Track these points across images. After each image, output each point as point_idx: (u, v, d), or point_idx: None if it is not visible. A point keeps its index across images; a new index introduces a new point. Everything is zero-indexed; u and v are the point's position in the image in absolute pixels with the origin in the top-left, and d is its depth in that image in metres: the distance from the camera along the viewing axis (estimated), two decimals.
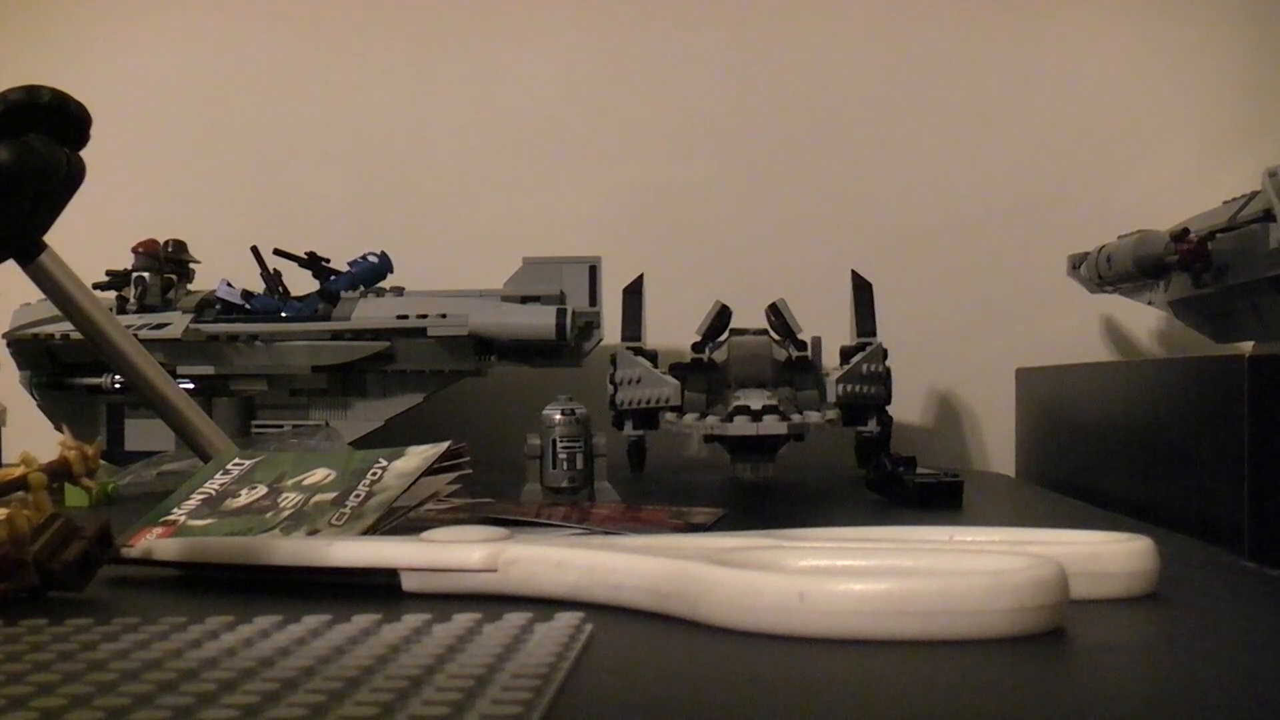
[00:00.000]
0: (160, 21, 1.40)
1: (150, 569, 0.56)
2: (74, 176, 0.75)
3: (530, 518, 0.71)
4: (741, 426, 0.85)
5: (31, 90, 0.72)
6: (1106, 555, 0.49)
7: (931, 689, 0.36)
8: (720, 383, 0.94)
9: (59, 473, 0.66)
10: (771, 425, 0.85)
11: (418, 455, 0.66)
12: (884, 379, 1.02)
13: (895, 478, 0.84)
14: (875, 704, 0.35)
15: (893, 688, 0.37)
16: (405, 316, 1.09)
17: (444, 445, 0.66)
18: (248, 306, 1.12)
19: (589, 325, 1.12)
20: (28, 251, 0.77)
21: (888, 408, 1.05)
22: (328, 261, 1.15)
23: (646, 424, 1.03)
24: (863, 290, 1.07)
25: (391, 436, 1.04)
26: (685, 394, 0.94)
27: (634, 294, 1.08)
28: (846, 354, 1.04)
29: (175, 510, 0.65)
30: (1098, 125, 1.29)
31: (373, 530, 0.60)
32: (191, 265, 1.18)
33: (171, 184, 1.38)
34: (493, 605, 0.45)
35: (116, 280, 1.14)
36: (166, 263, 1.15)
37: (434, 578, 0.50)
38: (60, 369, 1.12)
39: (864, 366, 1.01)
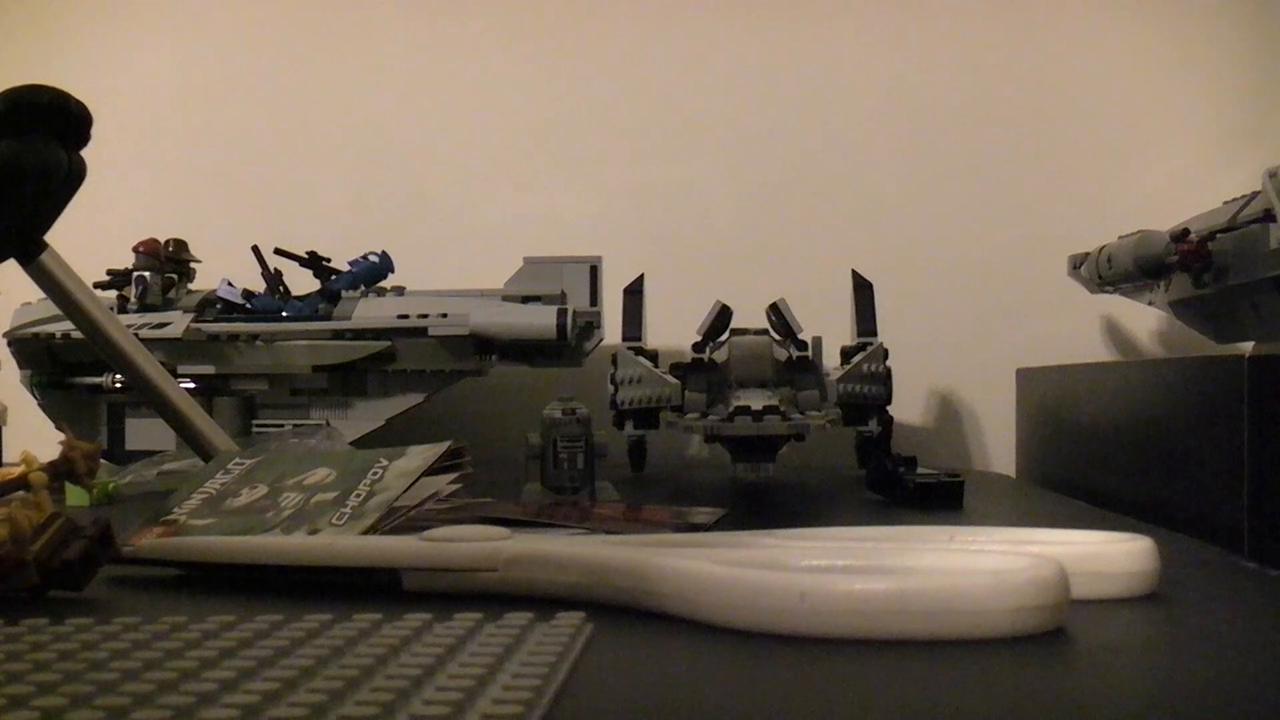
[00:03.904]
0: (161, 21, 1.40)
1: (151, 568, 0.56)
2: (74, 176, 0.75)
3: (531, 517, 0.71)
4: (742, 426, 0.85)
5: (32, 90, 0.72)
6: (1107, 555, 0.49)
7: (931, 689, 0.36)
8: (721, 382, 0.94)
9: (60, 472, 0.66)
10: (772, 425, 0.85)
11: (418, 455, 0.66)
12: (884, 379, 1.02)
13: (895, 478, 0.84)
14: (875, 704, 0.35)
15: (893, 688, 0.37)
16: (406, 316, 1.09)
17: (445, 445, 0.66)
18: (248, 306, 1.12)
19: (589, 325, 1.12)
20: (28, 251, 0.77)
21: (888, 408, 1.05)
22: (328, 261, 1.15)
23: (647, 424, 1.03)
24: (863, 290, 1.07)
25: (392, 436, 1.04)
26: (686, 394, 0.94)
27: (634, 294, 1.08)
28: (847, 354, 1.05)
29: (176, 510, 0.65)
30: (1098, 125, 1.29)
31: (373, 530, 0.60)
32: (192, 265, 1.18)
33: (171, 184, 1.38)
34: (493, 605, 0.45)
35: (117, 279, 1.14)
36: (167, 262, 1.15)
37: (435, 577, 0.50)
38: (61, 368, 1.12)
39: (864, 366, 1.01)
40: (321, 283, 1.14)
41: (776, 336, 0.98)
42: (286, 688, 0.33)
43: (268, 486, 0.66)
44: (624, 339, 1.05)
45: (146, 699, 0.32)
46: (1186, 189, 1.18)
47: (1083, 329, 1.27)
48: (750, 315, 0.99)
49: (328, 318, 1.10)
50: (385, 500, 0.62)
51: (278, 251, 1.15)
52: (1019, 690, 0.37)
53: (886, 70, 1.31)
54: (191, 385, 1.08)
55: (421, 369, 1.10)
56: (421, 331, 1.08)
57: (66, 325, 1.03)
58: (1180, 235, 0.92)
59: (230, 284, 1.13)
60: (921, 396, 1.29)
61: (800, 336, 0.96)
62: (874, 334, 1.05)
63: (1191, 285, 0.93)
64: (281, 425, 1.09)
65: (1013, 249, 1.28)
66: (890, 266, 1.18)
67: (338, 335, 1.10)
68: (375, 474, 0.65)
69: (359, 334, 1.09)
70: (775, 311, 0.97)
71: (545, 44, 1.35)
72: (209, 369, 1.11)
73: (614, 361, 1.03)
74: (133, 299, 1.13)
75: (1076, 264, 1.15)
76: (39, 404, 1.14)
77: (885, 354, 1.03)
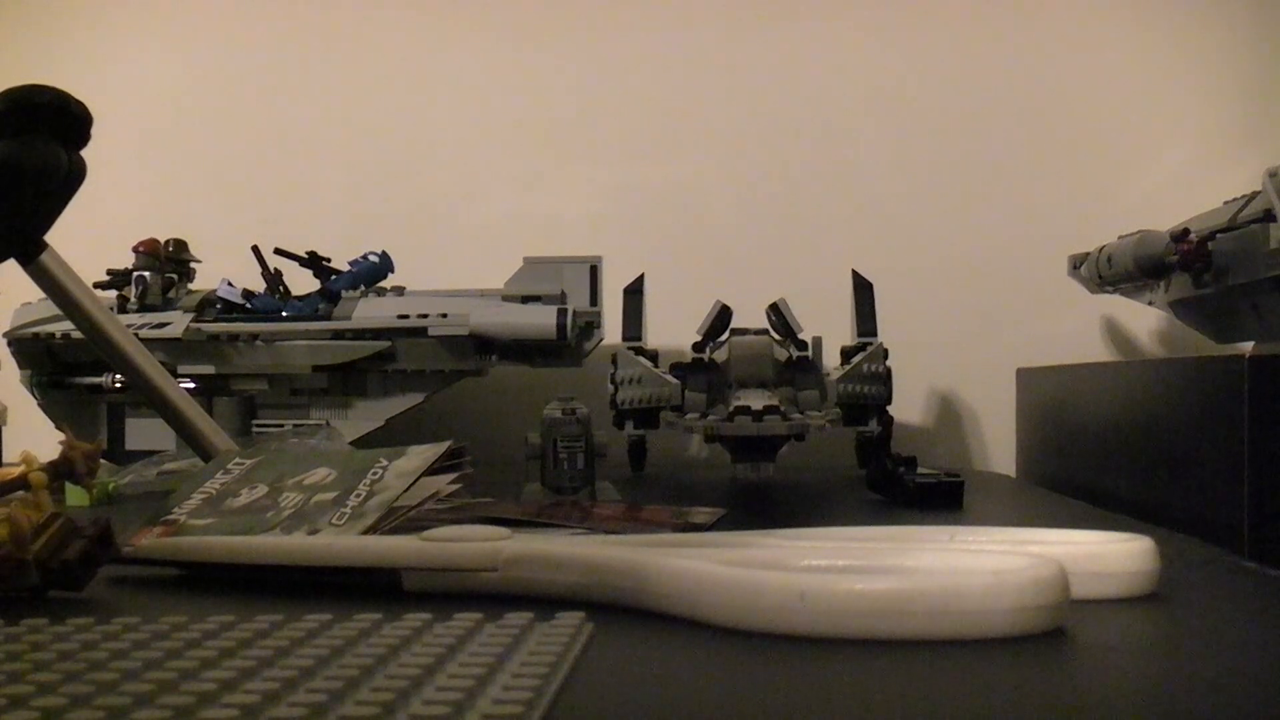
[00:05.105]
0: (161, 21, 1.40)
1: (151, 568, 0.56)
2: (74, 176, 0.75)
3: (531, 517, 0.71)
4: (742, 426, 0.85)
5: (32, 89, 0.72)
6: (1107, 555, 0.49)
7: (931, 689, 0.36)
8: (721, 382, 0.94)
9: (60, 472, 0.66)
10: (772, 425, 0.85)
11: (418, 455, 0.66)
12: (884, 379, 1.02)
13: (895, 478, 0.84)
14: (875, 704, 0.35)
15: (893, 688, 0.37)
16: (406, 316, 1.09)
17: (445, 445, 0.66)
18: (248, 306, 1.12)
19: (590, 325, 1.12)
20: (29, 251, 0.77)
21: (888, 408, 1.05)
22: (328, 261, 1.15)
23: (647, 423, 1.03)
24: (863, 290, 1.07)
25: (392, 436, 1.04)
26: (686, 394, 0.94)
27: (634, 294, 1.09)
28: (847, 354, 1.05)
29: (176, 510, 0.65)
30: (1098, 125, 1.29)
31: (373, 530, 0.60)
32: (192, 264, 1.18)
33: (171, 184, 1.38)
34: (493, 605, 0.45)
35: (117, 279, 1.14)
36: (167, 262, 1.15)
37: (435, 577, 0.50)
38: (61, 368, 1.12)
39: (864, 366, 1.01)
40: (321, 283, 1.14)
41: (776, 336, 0.98)
42: (286, 688, 0.33)
43: (268, 486, 0.66)
44: (624, 339, 1.05)
45: (146, 699, 0.32)
46: (1186, 189, 1.18)
47: (1083, 329, 1.27)
48: (750, 315, 0.99)
49: (328, 318, 1.10)
50: (385, 500, 0.62)
51: (278, 251, 1.15)
52: (1019, 690, 0.37)
53: (886, 70, 1.31)
54: (191, 385, 1.08)
55: (421, 369, 1.10)
56: (421, 331, 1.08)
57: (66, 325, 1.03)
58: (1180, 235, 0.92)
59: (230, 284, 1.13)
60: (921, 396, 1.29)
61: (800, 336, 0.96)
62: (874, 334, 1.05)
63: (1191, 285, 0.93)
64: (281, 425, 1.09)
65: (1013, 249, 1.28)
66: (890, 266, 1.18)
67: (338, 335, 1.10)
68: (375, 474, 0.65)
69: (359, 334, 1.09)
70: (775, 311, 0.97)
71: (546, 44, 1.35)
72: (209, 369, 1.11)
73: (614, 361, 1.03)
74: (133, 299, 1.13)
75: (1076, 264, 1.15)
76: (39, 404, 1.14)
77: (885, 354, 1.03)
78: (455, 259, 1.29)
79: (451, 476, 0.66)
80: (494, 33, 1.36)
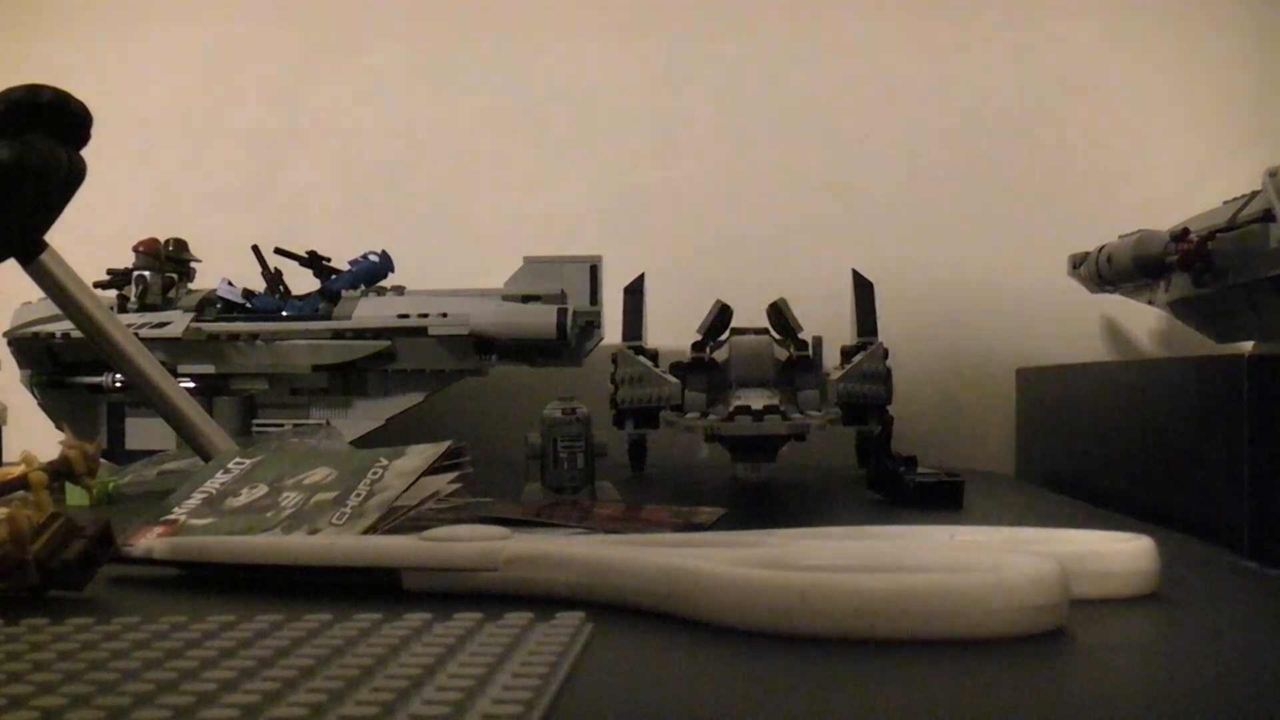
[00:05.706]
0: (161, 21, 1.40)
1: (151, 568, 0.56)
2: (74, 176, 0.75)
3: (531, 517, 0.71)
4: (742, 426, 0.85)
5: (32, 89, 0.72)
6: (1107, 555, 0.49)
7: (931, 689, 0.36)
8: (721, 382, 0.94)
9: (60, 472, 0.66)
10: (773, 425, 0.85)
11: (418, 454, 0.66)
12: (884, 379, 1.02)
13: (895, 477, 0.84)
14: (875, 704, 0.35)
15: (893, 688, 0.37)
16: (406, 315, 1.09)
17: (445, 444, 0.66)
18: (248, 305, 1.12)
19: (590, 324, 1.12)
20: (29, 250, 0.77)
21: (888, 407, 1.05)
22: (328, 260, 1.15)
23: (647, 423, 1.03)
24: (864, 290, 1.07)
25: (392, 436, 1.04)
26: (686, 393, 0.94)
27: (635, 293, 1.08)
28: (847, 354, 1.05)
29: (176, 509, 0.65)
30: (1098, 126, 1.29)
31: (373, 530, 0.60)
32: (192, 264, 1.18)
33: (171, 184, 1.38)
34: (493, 605, 0.45)
35: (117, 279, 1.14)
36: (167, 261, 1.15)
37: (435, 577, 0.50)
38: (61, 368, 1.12)
39: (864, 366, 1.01)
40: (321, 282, 1.14)
41: (777, 336, 0.98)
42: (286, 688, 0.33)
43: (268, 486, 0.66)
44: (624, 338, 1.05)
45: (146, 699, 0.32)
46: (1186, 189, 1.18)
47: (1082, 329, 1.27)
48: (750, 315, 0.99)
49: (328, 317, 1.10)
50: (385, 500, 0.62)
51: (278, 251, 1.15)
52: (1019, 690, 0.37)
53: (887, 71, 1.31)
54: (191, 385, 1.08)
55: (421, 369, 1.10)
56: (421, 331, 1.08)
57: (66, 325, 1.03)
58: (1180, 235, 0.92)
59: (230, 283, 1.13)
60: (921, 396, 1.29)
61: (800, 336, 0.96)
62: (874, 334, 1.05)
63: (1191, 285, 0.93)
64: (281, 425, 1.09)
65: (1013, 249, 1.28)
66: (890, 266, 1.18)
67: (338, 335, 1.10)
68: (375, 474, 0.65)
69: (359, 334, 1.09)
70: (775, 311, 0.97)
71: (546, 44, 1.35)
72: (209, 369, 1.11)
73: (614, 361, 1.03)
74: (133, 299, 1.13)
75: (1076, 264, 1.15)
76: (39, 404, 1.14)
77: (885, 354, 1.03)
78: (455, 259, 1.29)
79: (451, 476, 0.66)
80: (494, 33, 1.36)
